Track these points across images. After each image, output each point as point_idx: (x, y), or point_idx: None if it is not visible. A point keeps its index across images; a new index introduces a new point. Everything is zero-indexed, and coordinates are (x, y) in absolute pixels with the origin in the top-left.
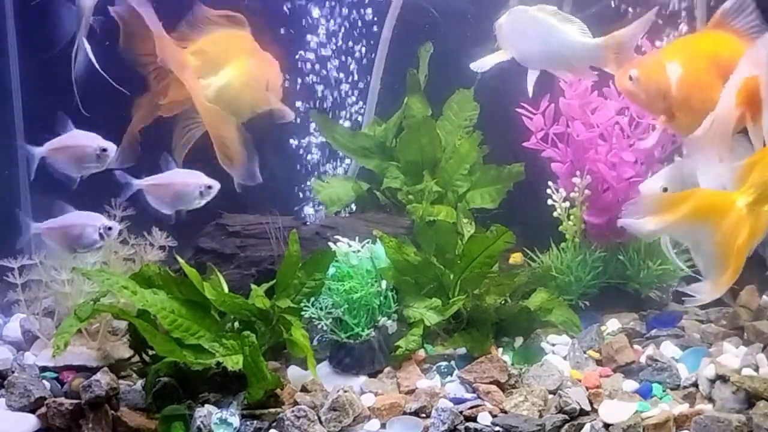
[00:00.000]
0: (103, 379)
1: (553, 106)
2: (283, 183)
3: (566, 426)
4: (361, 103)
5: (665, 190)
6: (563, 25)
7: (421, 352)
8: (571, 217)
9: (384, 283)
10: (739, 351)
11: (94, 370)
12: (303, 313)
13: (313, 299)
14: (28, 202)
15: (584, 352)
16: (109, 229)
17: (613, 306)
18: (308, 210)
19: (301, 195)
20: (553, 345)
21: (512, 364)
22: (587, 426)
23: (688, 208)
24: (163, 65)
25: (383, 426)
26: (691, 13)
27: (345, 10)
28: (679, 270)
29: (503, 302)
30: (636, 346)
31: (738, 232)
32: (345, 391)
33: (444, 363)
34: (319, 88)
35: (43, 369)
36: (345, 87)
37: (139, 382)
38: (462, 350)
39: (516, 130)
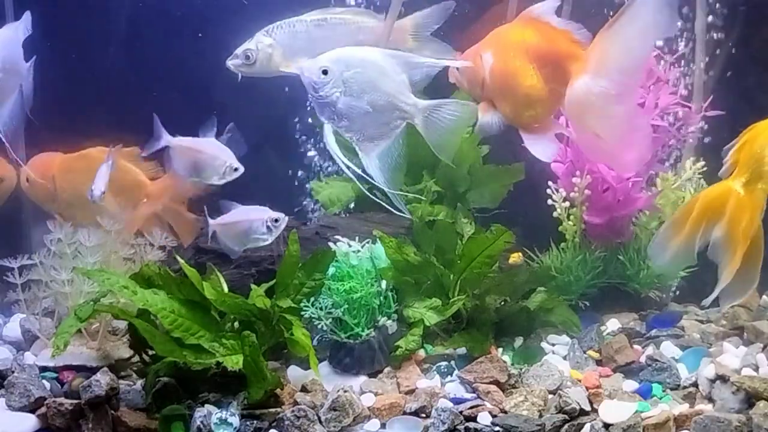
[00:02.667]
0: (103, 379)
1: None
2: (284, 183)
3: (566, 426)
4: None
5: (325, 72)
6: (348, 17)
7: (421, 352)
8: (571, 217)
9: (384, 283)
10: (739, 351)
11: (94, 370)
12: (303, 313)
13: (313, 299)
14: (28, 203)
15: (584, 352)
16: (276, 221)
17: (613, 306)
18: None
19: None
20: (553, 345)
21: (512, 364)
22: (587, 426)
23: (695, 213)
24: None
25: (383, 426)
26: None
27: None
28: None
29: (503, 302)
30: (636, 346)
31: (742, 216)
32: (345, 391)
33: (444, 363)
34: None
35: (43, 369)
36: None
37: (139, 382)
38: (462, 350)
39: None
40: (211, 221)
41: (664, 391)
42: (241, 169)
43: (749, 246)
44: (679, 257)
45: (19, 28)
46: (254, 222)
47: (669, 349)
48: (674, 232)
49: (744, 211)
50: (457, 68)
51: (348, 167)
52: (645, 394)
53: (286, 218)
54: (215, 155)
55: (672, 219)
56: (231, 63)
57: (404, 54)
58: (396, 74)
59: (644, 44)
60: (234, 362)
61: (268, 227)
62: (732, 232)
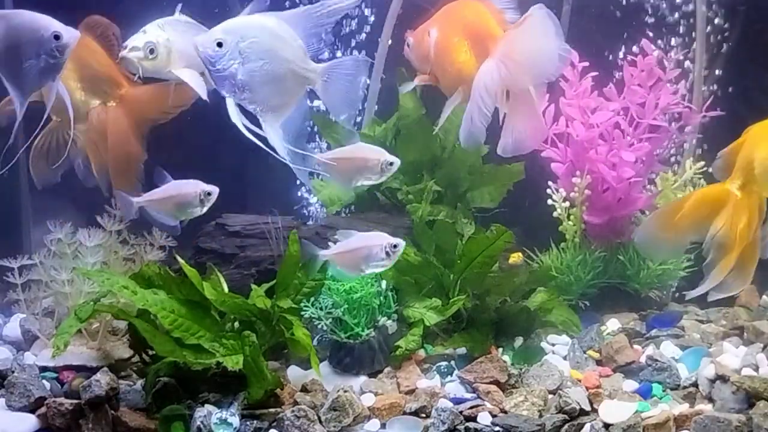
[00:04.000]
0: (103, 379)
1: (552, 106)
2: (283, 183)
3: (566, 426)
4: None
5: (220, 44)
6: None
7: (421, 352)
8: (571, 217)
9: (384, 283)
10: (739, 351)
11: (94, 370)
12: (303, 313)
13: (313, 299)
14: (28, 203)
15: (584, 352)
16: (395, 246)
17: (613, 306)
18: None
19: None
20: (553, 345)
21: (512, 364)
22: (587, 426)
23: (688, 210)
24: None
25: (383, 426)
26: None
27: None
28: None
29: (503, 302)
30: (636, 346)
31: (740, 218)
32: (345, 391)
33: (444, 363)
34: None
35: (43, 369)
36: None
37: (139, 382)
38: (462, 350)
39: None
40: (322, 252)
41: (664, 391)
42: (398, 161)
43: (747, 246)
44: (664, 245)
45: None
46: (373, 248)
47: (669, 349)
48: (662, 220)
49: (742, 213)
50: (408, 45)
51: (258, 139)
52: (645, 394)
53: (404, 243)
54: (366, 157)
55: (662, 208)
56: (132, 55)
57: (299, 9)
58: (293, 40)
59: (542, 51)
60: (234, 362)
61: (387, 253)
62: (730, 233)
